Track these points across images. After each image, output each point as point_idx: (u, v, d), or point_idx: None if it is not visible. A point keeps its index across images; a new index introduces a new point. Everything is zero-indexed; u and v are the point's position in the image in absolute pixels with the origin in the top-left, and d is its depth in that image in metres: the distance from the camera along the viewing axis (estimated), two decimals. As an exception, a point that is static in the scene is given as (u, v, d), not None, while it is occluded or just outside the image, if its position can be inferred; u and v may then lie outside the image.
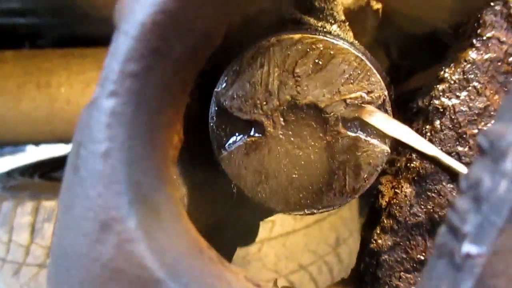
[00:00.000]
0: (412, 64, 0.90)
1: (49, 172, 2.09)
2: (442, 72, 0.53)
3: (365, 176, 0.49)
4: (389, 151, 0.50)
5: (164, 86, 0.28)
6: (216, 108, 0.49)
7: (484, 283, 0.21)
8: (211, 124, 0.50)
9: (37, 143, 2.08)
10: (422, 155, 0.45)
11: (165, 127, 0.31)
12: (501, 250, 0.21)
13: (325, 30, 0.53)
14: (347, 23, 0.55)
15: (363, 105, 0.47)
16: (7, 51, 1.89)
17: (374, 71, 0.48)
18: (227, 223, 0.64)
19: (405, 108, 0.58)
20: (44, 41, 2.25)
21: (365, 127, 0.48)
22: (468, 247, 0.21)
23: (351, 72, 0.47)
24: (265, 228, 1.80)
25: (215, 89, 0.48)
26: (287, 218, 1.84)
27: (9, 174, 2.06)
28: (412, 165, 0.53)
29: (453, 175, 0.45)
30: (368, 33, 0.69)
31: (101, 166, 0.25)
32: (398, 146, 0.54)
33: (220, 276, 0.29)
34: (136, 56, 0.26)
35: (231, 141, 0.49)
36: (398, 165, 0.56)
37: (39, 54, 1.94)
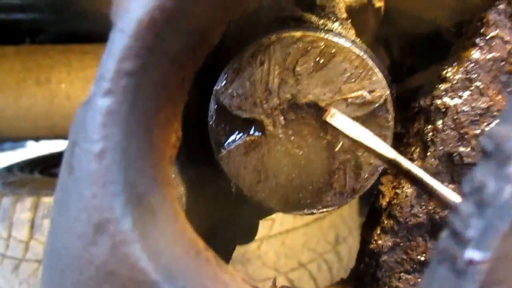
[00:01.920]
0: (413, 62, 0.90)
1: (49, 168, 2.09)
2: (444, 72, 0.53)
3: (365, 176, 0.49)
4: (390, 151, 0.49)
5: (160, 84, 0.27)
6: (215, 107, 0.48)
7: (486, 290, 0.20)
8: (210, 123, 0.49)
9: (37, 139, 2.07)
10: (382, 158, 0.44)
11: (162, 126, 0.30)
12: (504, 256, 0.20)
13: (326, 28, 0.52)
14: (349, 21, 0.55)
15: (327, 107, 0.47)
16: (7, 46, 1.88)
17: (376, 70, 0.47)
18: (226, 222, 0.64)
19: (406, 106, 0.57)
20: (45, 37, 2.25)
21: (367, 126, 0.48)
22: (471, 253, 0.21)
23: (353, 71, 0.47)
24: (265, 226, 1.80)
25: (215, 87, 0.48)
26: (287, 216, 1.84)
27: (9, 170, 2.06)
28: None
29: (413, 180, 0.44)
30: (370, 31, 0.68)
31: (95, 166, 0.25)
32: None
33: (217, 277, 0.29)
34: (132, 55, 0.25)
35: (230, 140, 0.48)
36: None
37: (39, 50, 1.93)
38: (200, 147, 0.57)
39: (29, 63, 1.86)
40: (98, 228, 0.24)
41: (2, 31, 2.05)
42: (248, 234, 0.73)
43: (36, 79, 1.84)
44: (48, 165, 2.11)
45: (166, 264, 0.25)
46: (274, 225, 1.84)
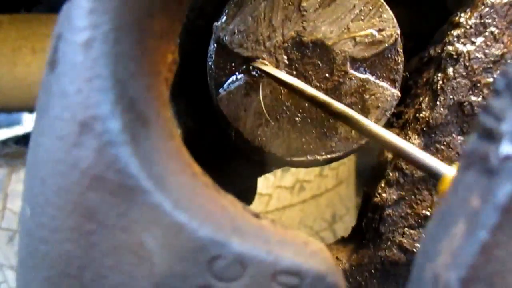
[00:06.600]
0: (414, 45, 0.87)
1: (44, 141, 2.06)
2: (457, 17, 0.50)
3: (372, 121, 0.46)
4: (399, 94, 0.46)
5: None
6: (215, 45, 0.45)
7: (522, 187, 0.18)
8: (209, 63, 0.46)
9: (31, 110, 2.04)
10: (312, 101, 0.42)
11: (157, 38, 0.27)
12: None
13: None
14: None
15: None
16: (2, 15, 1.84)
17: (387, 7, 0.44)
18: (222, 177, 0.61)
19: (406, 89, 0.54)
20: (40, 8, 2.20)
21: (375, 68, 0.45)
22: (507, 147, 0.18)
23: (362, 8, 0.44)
24: (262, 202, 1.78)
25: (215, 23, 0.45)
26: (284, 193, 1.82)
27: (4, 142, 2.03)
28: (421, 115, 0.50)
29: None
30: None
31: (81, 58, 0.22)
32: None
33: (215, 200, 0.27)
34: None
35: (230, 80, 0.45)
36: (406, 117, 0.53)
37: (35, 18, 1.90)
38: (198, 96, 0.54)
39: (25, 31, 1.83)
40: (83, 127, 0.21)
41: (-3, 0, 2.01)
42: (245, 194, 0.71)
43: (32, 48, 1.81)
44: (43, 138, 2.08)
45: (159, 175, 0.23)
46: (271, 201, 1.82)
